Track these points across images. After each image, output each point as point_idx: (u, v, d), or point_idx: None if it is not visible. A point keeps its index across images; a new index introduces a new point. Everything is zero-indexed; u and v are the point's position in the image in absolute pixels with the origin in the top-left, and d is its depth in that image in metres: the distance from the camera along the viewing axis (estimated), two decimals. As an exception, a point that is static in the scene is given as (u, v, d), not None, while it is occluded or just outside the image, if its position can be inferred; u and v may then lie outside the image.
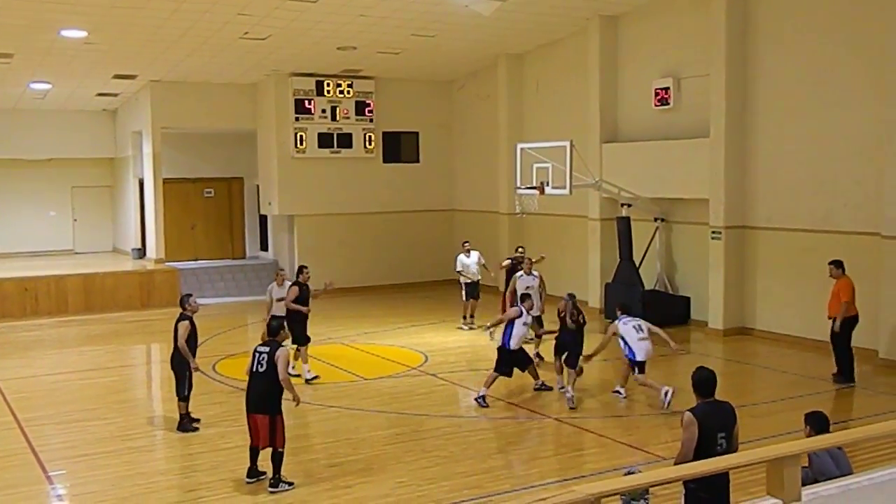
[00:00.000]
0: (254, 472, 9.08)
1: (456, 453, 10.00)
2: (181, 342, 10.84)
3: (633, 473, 5.87)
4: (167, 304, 21.04)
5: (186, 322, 10.93)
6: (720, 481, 6.25)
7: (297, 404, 9.27)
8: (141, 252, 24.76)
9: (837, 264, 13.07)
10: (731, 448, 6.44)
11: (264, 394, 8.94)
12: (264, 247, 25.91)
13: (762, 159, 16.11)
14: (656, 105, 17.90)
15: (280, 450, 8.91)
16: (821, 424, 6.94)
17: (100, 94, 23.68)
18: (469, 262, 18.00)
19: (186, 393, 10.97)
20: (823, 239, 14.98)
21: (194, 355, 10.97)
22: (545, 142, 18.00)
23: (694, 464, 6.09)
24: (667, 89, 17.62)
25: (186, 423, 10.94)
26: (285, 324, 10.15)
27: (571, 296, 12.53)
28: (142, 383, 15.29)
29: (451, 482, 9.04)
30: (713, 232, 16.60)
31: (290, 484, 8.91)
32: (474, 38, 19.79)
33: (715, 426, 6.38)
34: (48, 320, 19.72)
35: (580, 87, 19.66)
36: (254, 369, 9.04)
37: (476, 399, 12.02)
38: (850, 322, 12.98)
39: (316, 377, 13.53)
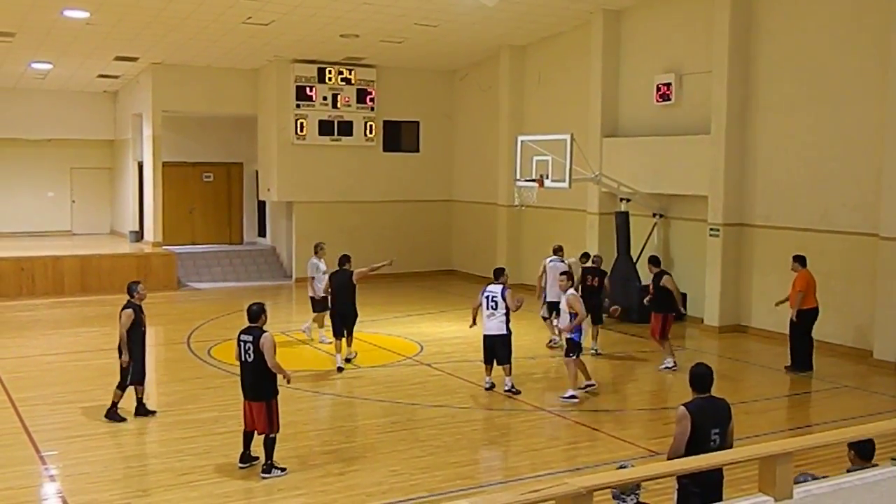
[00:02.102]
0: (246, 458, 9.09)
1: (449, 443, 10.02)
2: (121, 331, 10.55)
3: (625, 468, 5.88)
4: (164, 288, 21.11)
5: (130, 311, 10.58)
6: (713, 477, 6.27)
7: (289, 382, 9.21)
8: (138, 235, 24.75)
9: (797, 259, 13.61)
10: (726, 445, 6.44)
11: (257, 382, 8.92)
12: (262, 233, 25.90)
13: (762, 157, 16.11)
14: (658, 100, 17.89)
15: (272, 435, 8.91)
16: (866, 449, 6.57)
17: (101, 76, 23.62)
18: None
19: (127, 383, 10.65)
20: (821, 238, 15.00)
21: (143, 343, 10.74)
22: (545, 134, 17.98)
23: (686, 459, 6.11)
24: (668, 85, 17.62)
25: (114, 413, 10.63)
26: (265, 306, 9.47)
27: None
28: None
29: (443, 472, 9.06)
30: (711, 229, 16.61)
31: (283, 470, 8.92)
32: (477, 29, 19.74)
33: (709, 422, 6.39)
34: (44, 301, 19.71)
35: (582, 81, 19.64)
36: (242, 358, 8.99)
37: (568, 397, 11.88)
38: (808, 314, 13.46)
39: (348, 360, 13.77)
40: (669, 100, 17.64)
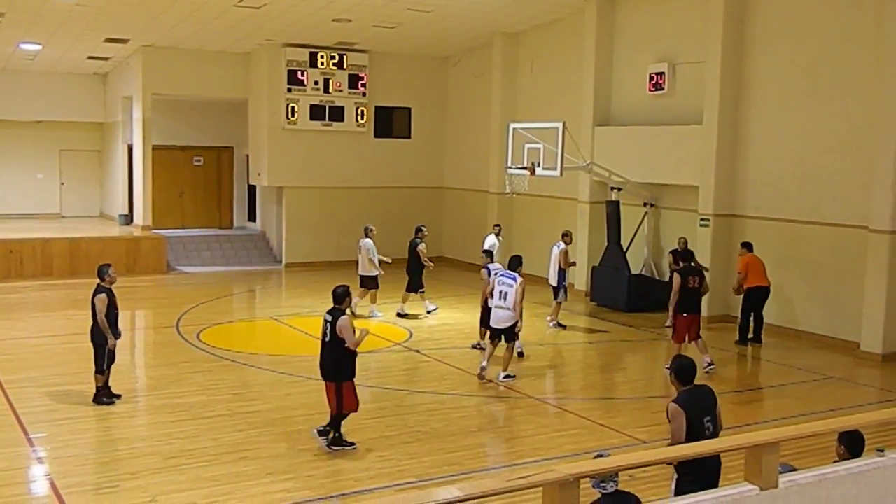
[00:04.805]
0: (326, 432, 9.28)
1: (438, 430, 10.04)
2: (100, 317, 10.43)
3: (602, 457, 5.94)
4: (153, 272, 21.07)
5: (103, 295, 10.49)
6: (711, 464, 6.34)
7: (366, 334, 9.34)
8: (128, 218, 24.66)
9: (744, 245, 14.81)
10: (717, 429, 6.56)
11: (331, 363, 9.17)
12: (252, 217, 25.84)
13: (753, 148, 16.14)
14: (650, 90, 17.89)
15: (344, 412, 9.15)
16: (855, 446, 6.47)
17: (91, 58, 23.47)
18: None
19: (105, 367, 10.58)
20: (811, 230, 15.07)
21: (116, 327, 10.63)
22: (537, 122, 17.95)
23: (673, 448, 6.15)
24: (661, 74, 17.61)
25: (102, 397, 10.62)
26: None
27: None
28: (125, 349, 15.21)
29: (432, 458, 9.09)
30: (702, 219, 16.64)
31: (352, 445, 9.15)
32: (471, 15, 19.68)
33: (700, 412, 6.46)
34: (33, 283, 19.64)
35: (575, 69, 19.62)
36: (322, 337, 9.24)
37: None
38: (752, 293, 14.50)
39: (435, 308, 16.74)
40: (662, 89, 17.64)
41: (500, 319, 11.98)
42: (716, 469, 6.39)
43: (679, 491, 6.28)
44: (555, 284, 15.74)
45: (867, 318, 14.02)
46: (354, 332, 9.10)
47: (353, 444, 9.20)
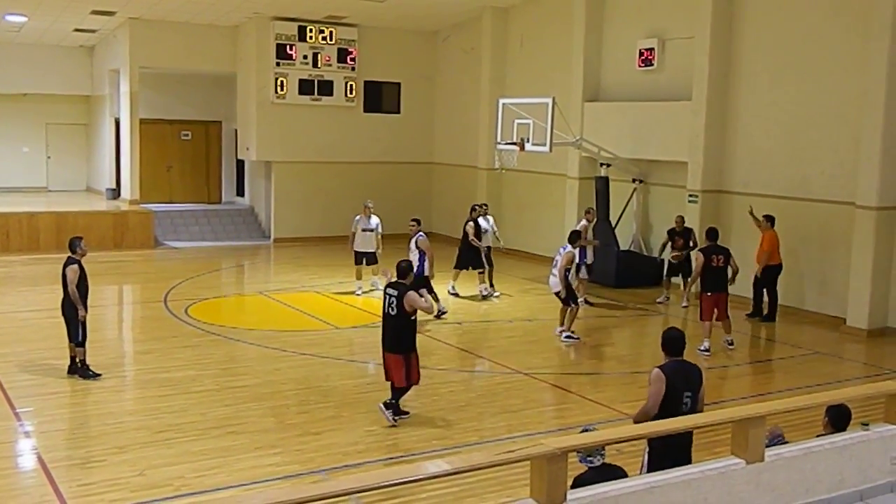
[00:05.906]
0: (398, 410, 9.35)
1: (426, 404, 10.07)
2: (71, 288, 10.42)
3: (588, 431, 5.98)
4: (140, 246, 20.99)
5: (75, 266, 10.48)
6: (683, 440, 6.35)
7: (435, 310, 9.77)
8: (115, 192, 24.50)
9: (768, 218, 14.45)
10: (697, 409, 6.53)
11: (397, 336, 9.26)
12: (240, 192, 25.73)
13: (742, 124, 16.14)
14: (640, 66, 17.83)
15: (412, 383, 9.36)
16: (841, 420, 6.44)
17: (77, 30, 23.21)
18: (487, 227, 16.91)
19: (81, 339, 10.57)
20: (798, 206, 15.10)
21: (85, 300, 10.61)
22: (527, 98, 17.91)
23: (661, 422, 6.19)
24: (651, 50, 17.56)
25: (87, 370, 10.59)
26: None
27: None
28: (112, 324, 15.21)
29: (420, 432, 9.12)
30: (690, 195, 16.66)
31: (405, 413, 9.33)
32: (460, -11, 19.53)
33: (681, 385, 6.47)
34: (19, 257, 19.52)
35: (564, 45, 19.53)
36: (385, 311, 9.29)
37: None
38: (772, 269, 14.41)
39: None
40: (652, 65, 17.59)
41: (551, 285, 13.22)
42: (687, 443, 6.41)
43: (652, 465, 6.30)
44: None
45: (853, 293, 14.10)
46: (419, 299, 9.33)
47: (406, 413, 9.41)
